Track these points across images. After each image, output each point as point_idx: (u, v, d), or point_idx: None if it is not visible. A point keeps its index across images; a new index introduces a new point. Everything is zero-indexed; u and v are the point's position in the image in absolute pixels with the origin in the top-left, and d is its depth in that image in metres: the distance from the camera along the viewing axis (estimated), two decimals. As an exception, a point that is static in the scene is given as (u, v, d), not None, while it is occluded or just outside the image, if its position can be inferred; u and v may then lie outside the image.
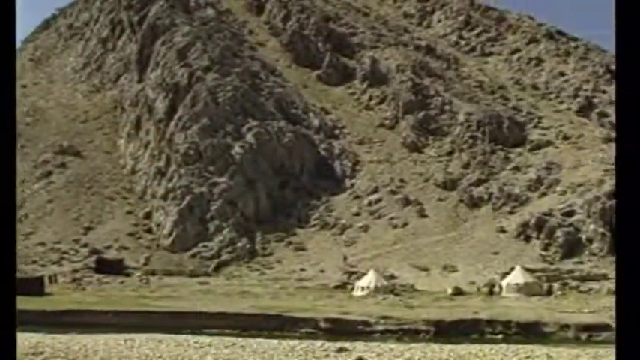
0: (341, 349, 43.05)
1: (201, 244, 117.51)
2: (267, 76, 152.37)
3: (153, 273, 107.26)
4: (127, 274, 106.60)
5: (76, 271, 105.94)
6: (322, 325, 67.76)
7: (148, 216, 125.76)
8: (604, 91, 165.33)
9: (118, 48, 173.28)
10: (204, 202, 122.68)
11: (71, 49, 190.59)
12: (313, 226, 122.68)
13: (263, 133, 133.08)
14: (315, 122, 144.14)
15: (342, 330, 64.37)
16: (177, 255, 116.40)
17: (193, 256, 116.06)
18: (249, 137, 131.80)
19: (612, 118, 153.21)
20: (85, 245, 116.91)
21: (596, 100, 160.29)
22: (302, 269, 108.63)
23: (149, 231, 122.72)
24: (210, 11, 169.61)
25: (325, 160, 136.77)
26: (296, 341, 48.38)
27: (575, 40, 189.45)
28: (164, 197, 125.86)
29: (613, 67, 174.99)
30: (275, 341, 48.31)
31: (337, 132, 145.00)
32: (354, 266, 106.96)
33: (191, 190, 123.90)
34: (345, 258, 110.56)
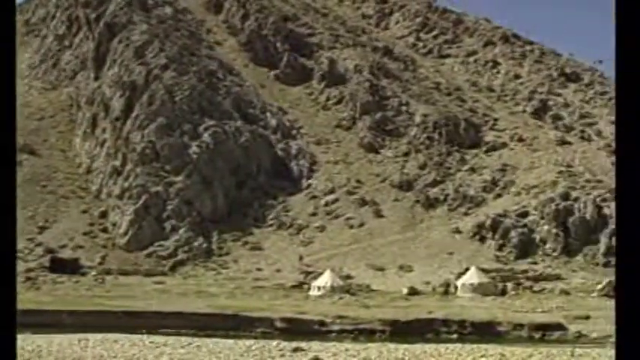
0: (297, 349, 43.16)
1: (157, 244, 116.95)
2: (224, 75, 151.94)
3: (108, 272, 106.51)
4: (82, 274, 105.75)
5: (30, 270, 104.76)
6: (278, 324, 67.91)
7: (103, 215, 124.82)
8: (558, 94, 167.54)
9: (75, 45, 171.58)
10: (161, 201, 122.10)
11: (27, 45, 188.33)
12: (270, 225, 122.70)
13: (220, 132, 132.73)
14: (273, 122, 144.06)
15: (298, 330, 64.54)
16: (133, 254, 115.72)
17: (149, 255, 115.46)
18: (206, 136, 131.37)
19: (566, 120, 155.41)
20: (40, 244, 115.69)
21: (550, 103, 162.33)
22: (258, 269, 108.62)
23: (105, 230, 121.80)
24: (167, 9, 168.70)
25: (282, 160, 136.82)
26: (252, 341, 48.42)
27: (530, 43, 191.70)
28: (120, 196, 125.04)
29: (567, 70, 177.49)
30: (231, 341, 48.31)
31: (294, 132, 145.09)
32: (310, 266, 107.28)
33: (147, 189, 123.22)
34: (300, 258, 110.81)
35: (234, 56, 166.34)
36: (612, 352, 43.27)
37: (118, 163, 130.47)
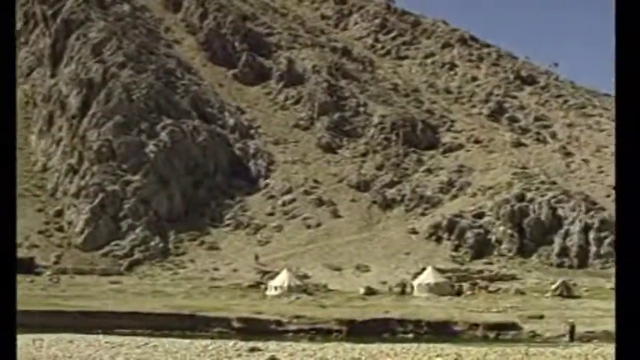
0: (253, 349, 43.25)
1: (113, 243, 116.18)
2: (182, 74, 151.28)
3: (64, 272, 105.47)
4: (37, 273, 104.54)
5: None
6: (235, 324, 67.90)
7: (59, 214, 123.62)
8: (515, 97, 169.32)
9: (31, 42, 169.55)
10: (117, 200, 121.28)
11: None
12: (227, 225, 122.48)
13: (178, 131, 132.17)
14: (231, 121, 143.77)
15: (254, 330, 64.61)
16: (89, 254, 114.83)
17: (105, 255, 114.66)
18: (163, 135, 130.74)
19: (522, 122, 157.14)
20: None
21: (506, 105, 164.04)
22: (215, 269, 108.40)
23: (60, 229, 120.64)
24: (126, 7, 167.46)
25: (240, 159, 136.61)
26: (209, 341, 48.41)
27: (487, 46, 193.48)
28: (76, 195, 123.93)
29: (523, 73, 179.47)
30: (187, 341, 48.26)
31: (252, 132, 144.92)
32: (265, 265, 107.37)
33: (104, 188, 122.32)
34: (256, 257, 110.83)
35: (192, 55, 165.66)
36: (565, 352, 43.95)
37: (74, 161, 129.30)
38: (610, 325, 64.25)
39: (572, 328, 60.09)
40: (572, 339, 57.93)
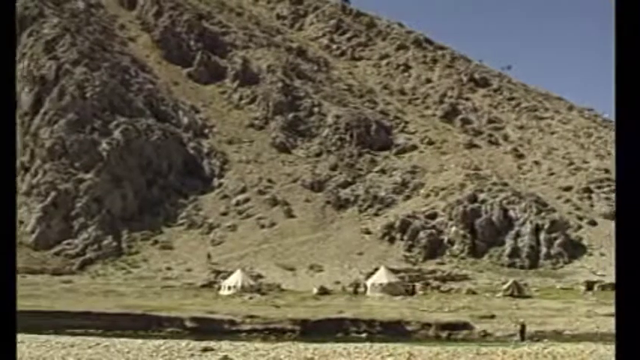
0: (206, 349, 43.19)
1: (65, 242, 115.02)
2: (137, 72, 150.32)
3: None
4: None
5: None
6: (188, 324, 67.72)
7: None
8: (467, 99, 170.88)
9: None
10: (70, 198, 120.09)
11: None
12: (181, 224, 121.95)
13: (131, 129, 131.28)
14: (185, 120, 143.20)
15: (208, 329, 64.47)
16: (41, 253, 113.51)
17: (57, 254, 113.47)
18: (116, 134, 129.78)
19: (475, 124, 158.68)
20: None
21: (460, 107, 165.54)
22: (168, 268, 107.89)
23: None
24: (80, 3, 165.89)
25: (194, 158, 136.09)
26: (161, 341, 48.22)
27: (441, 48, 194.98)
28: (27, 193, 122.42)
29: (477, 75, 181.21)
30: (140, 341, 48.04)
31: (206, 131, 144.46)
32: (216, 264, 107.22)
33: (56, 186, 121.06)
34: (208, 256, 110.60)
35: (147, 53, 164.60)
36: (516, 351, 44.55)
37: (25, 159, 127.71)
38: (560, 324, 65.27)
39: (523, 327, 60.89)
40: (522, 338, 58.69)
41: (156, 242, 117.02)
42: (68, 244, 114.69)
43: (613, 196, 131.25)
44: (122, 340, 48.89)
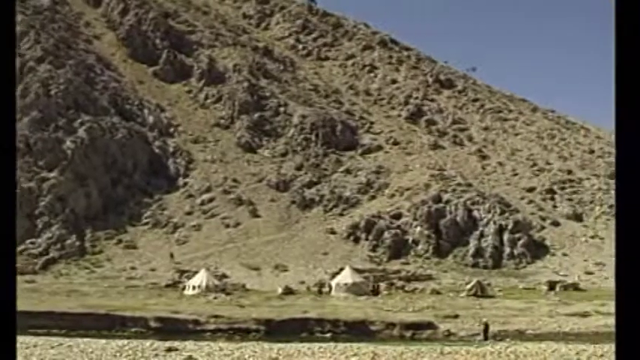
0: (170, 349, 43.09)
1: (28, 241, 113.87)
2: (102, 70, 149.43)
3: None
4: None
5: None
6: (152, 324, 67.40)
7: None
8: (433, 100, 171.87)
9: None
10: (33, 197, 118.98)
11: None
12: (145, 224, 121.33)
13: (96, 128, 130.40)
14: (150, 119, 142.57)
15: (172, 329, 64.23)
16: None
17: (20, 253, 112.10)
18: (81, 132, 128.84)
19: (440, 125, 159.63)
20: None
21: (425, 108, 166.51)
22: (132, 268, 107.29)
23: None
24: (45, 0, 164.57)
25: (159, 157, 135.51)
26: (125, 341, 48.04)
27: (407, 49, 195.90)
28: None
29: (442, 76, 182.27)
30: (103, 341, 47.82)
31: (172, 130, 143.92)
32: (179, 263, 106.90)
33: (19, 184, 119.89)
34: (171, 255, 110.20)
35: (112, 51, 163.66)
36: (479, 350, 44.93)
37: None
38: (523, 324, 65.87)
39: (486, 327, 61.36)
40: (486, 338, 59.15)
41: (120, 242, 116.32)
42: (31, 243, 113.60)
43: (575, 197, 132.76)
44: (85, 340, 48.64)
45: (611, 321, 67.72)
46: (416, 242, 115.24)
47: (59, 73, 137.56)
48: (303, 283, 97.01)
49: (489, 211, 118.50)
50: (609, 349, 44.84)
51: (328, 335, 63.87)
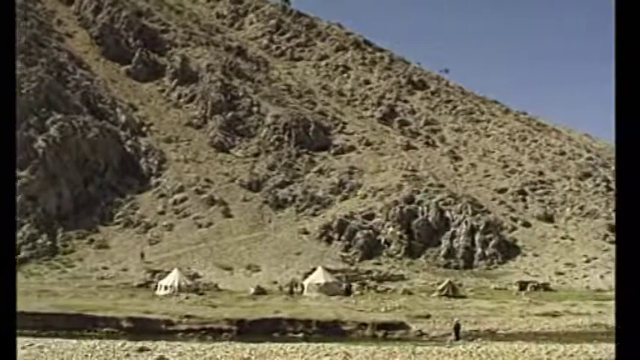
0: (142, 349, 43.07)
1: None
2: (74, 68, 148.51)
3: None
4: None
5: None
6: (124, 324, 67.18)
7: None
8: (406, 101, 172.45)
9: None
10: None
11: None
12: (117, 223, 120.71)
13: (68, 127, 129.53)
14: (122, 118, 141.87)
15: (144, 329, 64.05)
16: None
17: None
18: (52, 131, 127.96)
19: (413, 126, 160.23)
20: None
21: (398, 109, 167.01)
22: (104, 267, 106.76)
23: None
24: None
25: (131, 157, 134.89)
26: (97, 341, 47.91)
27: (380, 50, 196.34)
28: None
29: (415, 78, 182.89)
30: (75, 341, 47.64)
31: (144, 129, 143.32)
32: (150, 263, 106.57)
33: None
34: (142, 255, 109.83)
35: (84, 49, 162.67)
36: (451, 350, 45.24)
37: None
38: (494, 324, 66.33)
39: (457, 326, 61.74)
40: (457, 337, 59.51)
41: (92, 241, 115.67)
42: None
43: (546, 198, 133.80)
44: (57, 340, 48.43)
45: (581, 321, 68.41)
46: (388, 243, 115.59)
47: (31, 71, 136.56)
48: (275, 283, 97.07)
49: (461, 212, 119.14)
50: (579, 348, 45.32)
51: (300, 335, 63.99)
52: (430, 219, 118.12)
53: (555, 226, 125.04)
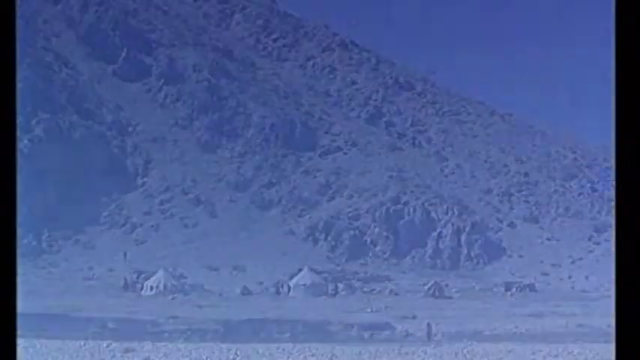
0: (128, 350, 42.91)
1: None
2: (60, 68, 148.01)
3: None
4: None
5: None
6: (110, 325, 66.94)
7: None
8: (392, 102, 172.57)
9: None
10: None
11: None
12: (103, 224, 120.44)
13: (54, 126, 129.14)
14: (109, 118, 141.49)
15: (130, 330, 63.85)
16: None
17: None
18: (38, 130, 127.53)
19: (399, 127, 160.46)
20: None
21: (384, 110, 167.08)
22: (90, 268, 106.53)
23: None
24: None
25: (117, 157, 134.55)
26: (82, 342, 47.73)
27: (367, 51, 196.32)
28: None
29: (401, 79, 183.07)
30: (60, 342, 47.47)
31: (130, 129, 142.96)
32: (131, 262, 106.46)
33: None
34: (124, 255, 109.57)
35: (71, 49, 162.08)
36: (437, 350, 45.36)
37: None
38: (480, 324, 66.48)
39: (429, 327, 61.65)
40: (429, 338, 59.43)
41: (77, 241, 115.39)
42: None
43: (532, 199, 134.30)
44: (42, 341, 48.21)
45: (566, 321, 68.70)
46: (374, 243, 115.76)
47: (17, 71, 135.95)
48: (261, 283, 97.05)
49: (447, 213, 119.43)
50: (564, 349, 45.51)
51: (287, 336, 63.93)
52: (416, 220, 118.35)
53: (540, 227, 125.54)
